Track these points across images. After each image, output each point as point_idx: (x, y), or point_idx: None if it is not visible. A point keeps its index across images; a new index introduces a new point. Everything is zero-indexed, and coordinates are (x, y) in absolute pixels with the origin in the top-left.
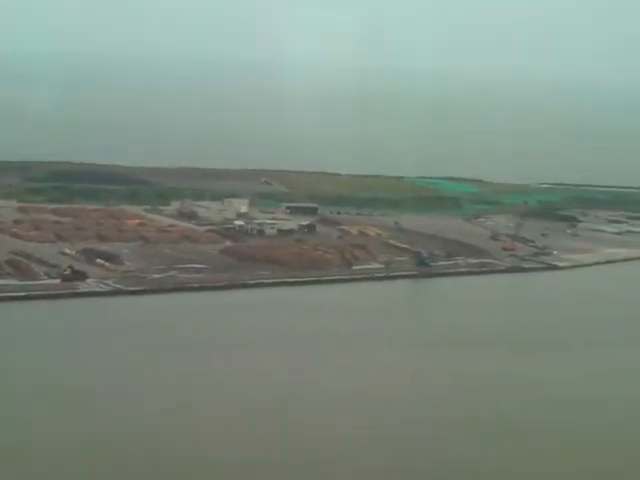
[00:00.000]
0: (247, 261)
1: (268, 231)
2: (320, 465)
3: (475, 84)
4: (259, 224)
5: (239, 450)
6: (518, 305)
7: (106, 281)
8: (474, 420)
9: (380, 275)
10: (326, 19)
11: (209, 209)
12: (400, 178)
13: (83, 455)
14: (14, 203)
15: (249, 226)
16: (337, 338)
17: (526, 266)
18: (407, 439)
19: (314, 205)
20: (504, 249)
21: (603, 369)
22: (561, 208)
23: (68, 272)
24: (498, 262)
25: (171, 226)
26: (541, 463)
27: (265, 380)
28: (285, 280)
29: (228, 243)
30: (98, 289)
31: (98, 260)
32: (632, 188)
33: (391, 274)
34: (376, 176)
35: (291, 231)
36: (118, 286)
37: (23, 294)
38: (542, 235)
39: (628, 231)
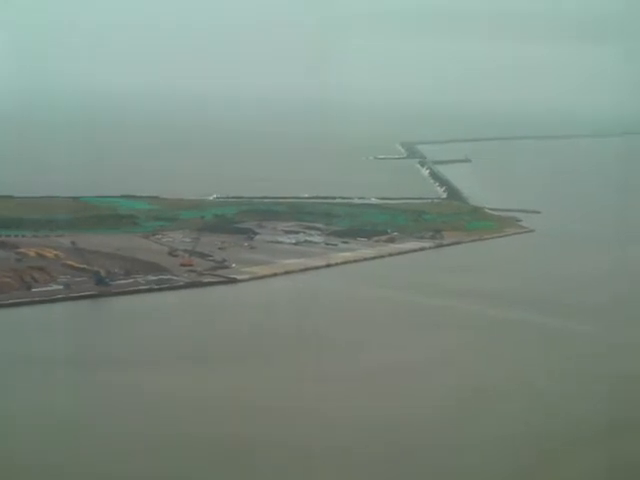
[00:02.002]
0: None
1: None
2: None
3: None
4: None
5: None
6: (186, 322)
7: None
8: None
9: (60, 296)
10: None
11: None
12: (76, 198)
13: None
14: None
15: None
16: None
17: (205, 281)
18: None
19: None
20: (182, 265)
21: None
22: (238, 221)
23: None
24: (177, 278)
25: None
26: None
27: None
28: None
29: None
30: None
31: None
32: (304, 198)
33: (71, 295)
34: (51, 197)
35: None
36: None
37: None
38: (220, 249)
39: (306, 241)
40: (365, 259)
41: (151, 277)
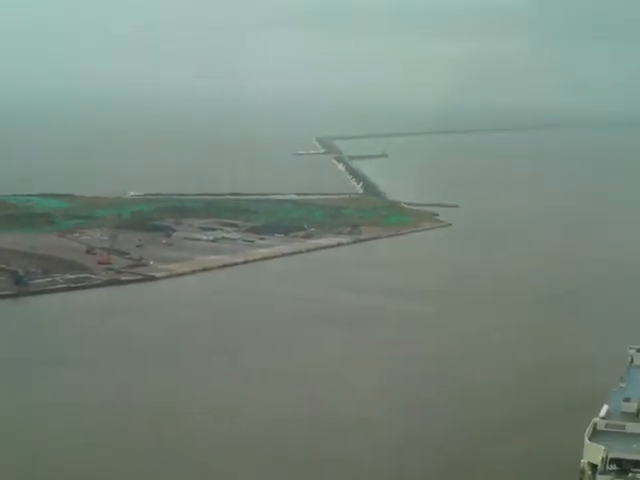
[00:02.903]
0: None
1: None
2: None
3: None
4: None
5: None
6: (100, 322)
7: None
8: None
9: None
10: None
11: None
12: None
13: None
14: None
15: None
16: None
17: (123, 279)
18: None
19: None
20: (100, 263)
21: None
22: (155, 218)
23: None
24: (95, 276)
25: None
26: None
27: None
28: None
29: None
30: None
31: None
32: (222, 195)
33: None
34: None
35: None
36: None
37: None
38: (137, 246)
39: (223, 238)
40: (283, 255)
41: (69, 276)
